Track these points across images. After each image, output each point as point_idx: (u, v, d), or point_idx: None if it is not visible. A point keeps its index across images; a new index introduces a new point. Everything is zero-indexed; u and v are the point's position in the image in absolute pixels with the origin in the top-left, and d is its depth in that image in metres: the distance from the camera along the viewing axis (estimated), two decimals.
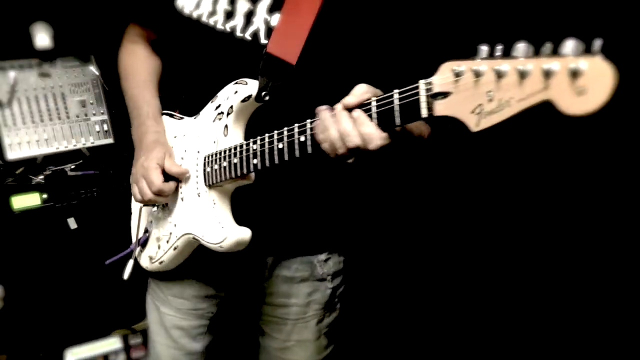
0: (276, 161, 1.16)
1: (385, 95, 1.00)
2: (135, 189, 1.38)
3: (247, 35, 1.32)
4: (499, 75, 0.82)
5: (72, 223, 2.25)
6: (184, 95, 1.50)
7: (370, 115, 1.01)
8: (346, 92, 1.20)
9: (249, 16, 1.32)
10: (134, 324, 2.34)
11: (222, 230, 1.25)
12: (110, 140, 2.35)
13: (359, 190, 1.61)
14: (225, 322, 1.56)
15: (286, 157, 1.15)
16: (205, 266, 1.46)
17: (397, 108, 0.96)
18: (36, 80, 2.30)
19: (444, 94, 0.89)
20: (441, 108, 0.90)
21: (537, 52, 0.80)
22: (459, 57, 0.89)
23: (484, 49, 0.85)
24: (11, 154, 2.26)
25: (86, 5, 2.30)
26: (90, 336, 2.26)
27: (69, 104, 2.34)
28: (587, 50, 0.75)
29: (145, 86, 1.52)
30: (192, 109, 1.42)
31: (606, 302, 1.80)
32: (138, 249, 1.48)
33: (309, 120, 1.11)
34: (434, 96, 0.90)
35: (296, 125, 1.13)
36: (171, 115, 1.49)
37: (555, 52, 0.77)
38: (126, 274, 1.43)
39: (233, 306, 1.54)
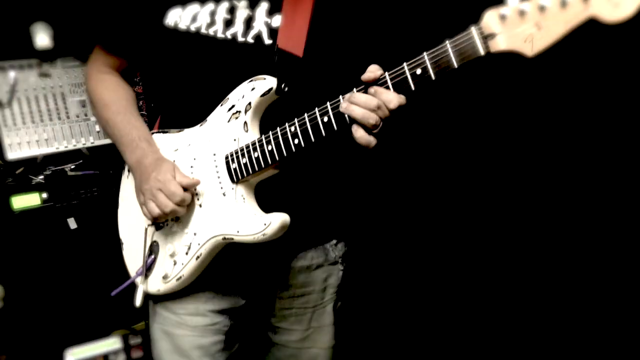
0: (324, 134, 1.22)
1: (437, 48, 1.11)
2: (151, 205, 1.36)
3: (250, 39, 1.37)
4: (542, 8, 1.00)
5: (72, 223, 2.25)
6: (179, 109, 1.50)
7: (425, 68, 1.12)
8: (351, 78, 1.30)
9: (249, 22, 1.38)
10: (134, 324, 2.34)
11: (262, 218, 1.28)
12: (110, 140, 2.35)
13: (363, 181, 1.80)
14: (239, 335, 1.54)
15: (335, 128, 1.22)
16: (223, 275, 1.44)
17: (452, 53, 1.09)
18: (36, 80, 2.30)
19: (492, 35, 1.06)
20: (495, 45, 1.06)
21: None
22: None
23: None
24: (11, 154, 2.26)
25: (86, 6, 2.31)
26: (90, 336, 2.26)
27: (69, 104, 2.34)
28: None
29: (128, 112, 1.51)
30: (192, 119, 1.43)
31: (606, 302, 1.80)
32: (141, 277, 1.44)
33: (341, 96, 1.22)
34: (485, 38, 1.06)
35: (341, 96, 1.22)
36: (164, 132, 1.48)
37: None
38: (138, 302, 1.41)
39: (246, 315, 1.53)
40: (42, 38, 2.23)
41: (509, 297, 2.05)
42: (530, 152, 1.90)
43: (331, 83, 1.36)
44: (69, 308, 2.26)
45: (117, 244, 1.52)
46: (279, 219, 1.27)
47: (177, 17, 1.40)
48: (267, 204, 1.35)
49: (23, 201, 2.16)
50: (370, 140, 1.21)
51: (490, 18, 1.07)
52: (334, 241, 1.56)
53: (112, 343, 2.27)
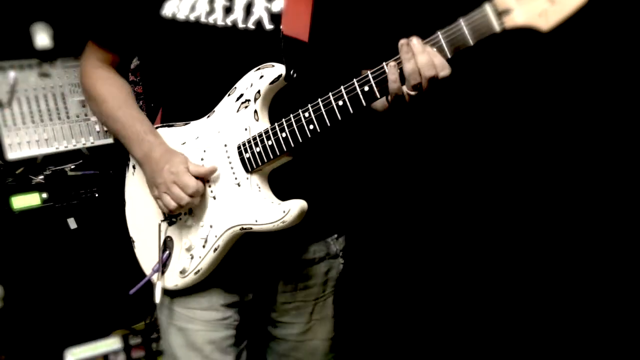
0: (340, 117, 1.24)
1: (451, 26, 1.13)
2: (166, 199, 1.36)
3: (250, 25, 1.38)
4: None
5: (72, 223, 2.25)
6: (183, 101, 1.48)
7: (440, 47, 1.15)
8: (357, 60, 1.38)
9: (249, 8, 1.38)
10: (134, 324, 2.34)
11: (280, 206, 1.29)
12: (110, 140, 2.35)
13: (366, 176, 1.90)
14: (247, 331, 1.55)
15: (351, 111, 1.24)
16: (234, 269, 1.45)
17: (467, 31, 1.11)
18: (36, 80, 2.30)
19: (507, 11, 1.08)
20: (510, 20, 1.08)
21: None
22: None
23: None
24: (11, 154, 2.26)
25: (86, 6, 2.31)
26: (90, 336, 2.26)
27: (69, 104, 2.34)
28: None
29: (128, 105, 1.49)
30: (198, 111, 1.43)
31: (606, 302, 1.80)
32: (157, 274, 1.44)
33: (369, 71, 1.22)
34: (499, 14, 1.08)
35: (355, 79, 1.23)
36: (169, 125, 1.47)
37: None
38: (158, 298, 1.41)
39: (251, 309, 1.55)
40: (42, 38, 2.23)
41: (510, 294, 2.05)
42: (534, 149, 1.90)
43: (338, 67, 1.41)
44: (69, 308, 2.26)
45: (118, 245, 1.52)
46: (297, 205, 1.28)
47: (174, 8, 1.40)
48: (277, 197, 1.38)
49: (23, 201, 2.15)
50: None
51: None
52: (335, 235, 1.58)
53: (112, 343, 2.27)
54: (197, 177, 1.35)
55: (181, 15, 1.39)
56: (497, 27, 1.09)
